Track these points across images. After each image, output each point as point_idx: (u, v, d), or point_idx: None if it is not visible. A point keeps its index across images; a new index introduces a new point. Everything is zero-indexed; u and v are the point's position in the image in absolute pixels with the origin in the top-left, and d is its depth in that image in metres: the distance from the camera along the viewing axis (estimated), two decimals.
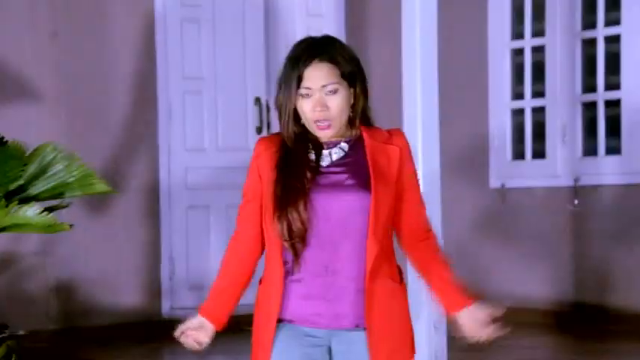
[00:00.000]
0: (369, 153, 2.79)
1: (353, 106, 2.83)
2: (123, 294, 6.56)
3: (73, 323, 6.39)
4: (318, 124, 2.77)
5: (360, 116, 2.85)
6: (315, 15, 7.19)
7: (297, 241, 2.73)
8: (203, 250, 6.81)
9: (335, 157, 2.80)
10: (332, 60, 2.78)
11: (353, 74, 2.81)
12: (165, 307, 6.69)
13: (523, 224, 6.99)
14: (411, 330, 2.88)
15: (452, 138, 6.77)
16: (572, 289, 6.74)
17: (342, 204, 2.75)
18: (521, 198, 7.02)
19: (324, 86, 2.76)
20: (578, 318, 6.66)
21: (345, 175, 2.77)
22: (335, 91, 2.77)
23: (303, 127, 2.79)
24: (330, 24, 7.19)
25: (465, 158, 7.22)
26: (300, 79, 2.76)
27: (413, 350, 2.87)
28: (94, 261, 6.48)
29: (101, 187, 4.22)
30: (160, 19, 6.74)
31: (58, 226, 4.02)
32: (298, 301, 2.77)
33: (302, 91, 2.76)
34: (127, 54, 6.64)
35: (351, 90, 2.82)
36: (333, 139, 2.82)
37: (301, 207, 2.73)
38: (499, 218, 7.11)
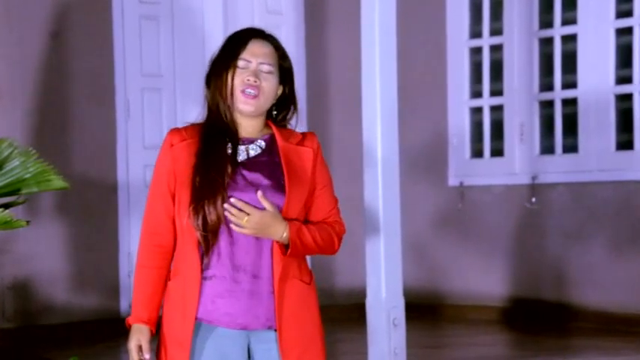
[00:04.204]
0: (283, 155, 2.81)
1: (277, 106, 2.86)
2: (80, 292, 6.52)
3: (29, 322, 6.33)
4: (247, 91, 2.78)
5: (279, 118, 2.87)
6: (275, 12, 7.18)
7: (209, 233, 2.72)
8: None
9: (252, 152, 2.81)
10: (274, 45, 2.85)
11: (287, 72, 2.86)
12: (124, 306, 6.65)
13: (481, 222, 7.03)
14: (322, 332, 2.86)
15: (411, 136, 6.80)
16: (530, 286, 6.79)
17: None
18: (479, 196, 7.06)
19: (262, 63, 2.80)
20: (536, 315, 6.71)
21: (261, 175, 2.78)
22: (270, 73, 2.82)
23: (222, 120, 2.81)
24: (289, 21, 7.18)
25: (423, 156, 7.25)
26: (239, 52, 2.80)
27: (324, 352, 2.85)
28: (51, 259, 6.43)
29: (58, 183, 4.18)
30: (118, 16, 6.70)
31: (14, 222, 3.98)
32: (210, 299, 2.75)
33: (240, 62, 2.79)
34: (84, 50, 6.59)
35: (280, 87, 2.85)
36: (249, 137, 2.83)
37: (219, 201, 2.72)
38: (458, 216, 7.14)
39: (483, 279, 6.96)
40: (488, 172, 7.04)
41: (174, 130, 2.86)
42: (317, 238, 2.79)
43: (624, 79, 6.51)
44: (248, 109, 2.80)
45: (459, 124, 7.19)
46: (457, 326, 6.73)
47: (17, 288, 6.33)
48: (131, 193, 6.74)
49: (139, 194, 6.76)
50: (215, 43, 6.97)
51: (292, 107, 2.88)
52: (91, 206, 6.59)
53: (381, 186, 4.58)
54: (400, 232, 4.66)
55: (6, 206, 4.10)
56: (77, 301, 6.49)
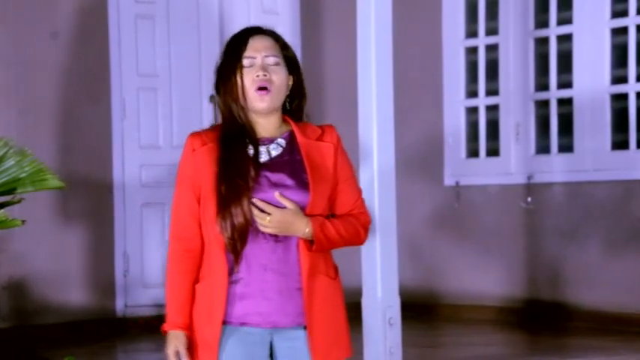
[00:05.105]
0: (304, 152, 2.81)
1: (290, 97, 2.86)
2: (76, 292, 6.51)
3: (25, 321, 6.33)
4: (260, 87, 2.77)
5: (294, 109, 2.87)
6: (271, 12, 7.18)
7: (237, 239, 2.73)
8: (158, 247, 6.77)
9: (274, 153, 2.82)
10: (273, 38, 2.85)
11: (293, 61, 2.85)
12: (120, 305, 6.65)
13: (477, 222, 7.03)
14: (347, 326, 2.88)
15: (407, 136, 6.80)
16: (526, 286, 6.79)
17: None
18: (475, 196, 7.07)
19: (266, 56, 2.80)
20: (533, 314, 6.72)
21: (284, 175, 2.78)
22: (277, 64, 2.81)
23: (239, 124, 2.81)
24: (285, 21, 7.18)
25: (419, 156, 7.25)
26: (242, 51, 2.79)
27: (349, 346, 2.87)
28: (47, 258, 6.42)
29: (54, 182, 4.18)
30: (114, 15, 6.70)
31: (10, 222, 3.98)
32: (238, 300, 2.77)
33: (245, 61, 2.79)
34: (80, 49, 6.58)
35: (290, 77, 2.85)
36: (269, 136, 2.83)
37: (245, 204, 2.74)
38: (454, 216, 7.15)
39: (479, 278, 6.97)
40: (484, 172, 7.05)
41: (195, 134, 2.84)
42: (341, 231, 2.81)
43: (619, 78, 6.52)
44: (263, 105, 2.80)
45: (454, 123, 7.19)
46: (453, 326, 6.73)
47: (13, 287, 6.33)
48: (127, 193, 6.74)
49: (134, 194, 6.76)
50: (211, 42, 6.99)
51: (303, 95, 2.87)
52: (87, 206, 6.58)
53: (377, 185, 4.59)
54: (396, 232, 4.67)
55: (1, 206, 4.10)
56: (73, 301, 6.48)
